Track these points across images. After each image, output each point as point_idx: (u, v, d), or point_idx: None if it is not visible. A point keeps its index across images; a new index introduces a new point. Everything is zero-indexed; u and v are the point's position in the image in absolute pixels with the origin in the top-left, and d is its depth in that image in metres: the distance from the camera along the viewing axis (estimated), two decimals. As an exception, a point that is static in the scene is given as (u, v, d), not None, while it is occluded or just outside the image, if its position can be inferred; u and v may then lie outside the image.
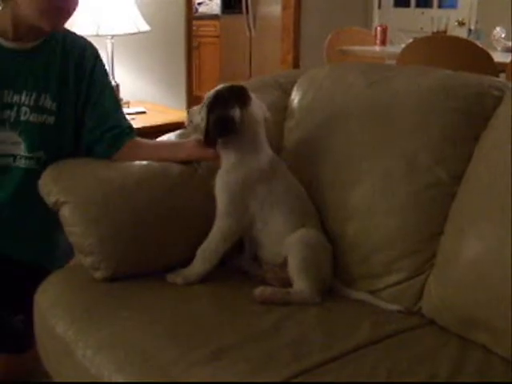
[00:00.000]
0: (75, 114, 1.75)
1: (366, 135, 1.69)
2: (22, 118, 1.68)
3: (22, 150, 1.73)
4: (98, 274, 1.61)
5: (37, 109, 1.68)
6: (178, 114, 3.48)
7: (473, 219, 1.47)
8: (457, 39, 3.36)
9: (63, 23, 1.66)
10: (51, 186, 1.66)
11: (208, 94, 1.67)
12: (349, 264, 1.67)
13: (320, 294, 1.60)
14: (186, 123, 1.73)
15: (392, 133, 1.65)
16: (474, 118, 1.58)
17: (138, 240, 1.64)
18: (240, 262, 1.77)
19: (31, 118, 1.69)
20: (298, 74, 2.04)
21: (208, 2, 7.10)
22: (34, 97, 1.67)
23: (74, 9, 1.67)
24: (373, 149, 1.66)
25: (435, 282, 1.53)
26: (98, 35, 3.18)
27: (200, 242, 1.65)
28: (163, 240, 1.68)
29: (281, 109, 1.94)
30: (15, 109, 1.68)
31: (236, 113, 1.61)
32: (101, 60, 1.81)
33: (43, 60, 1.68)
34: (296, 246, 1.62)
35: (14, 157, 1.74)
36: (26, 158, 1.74)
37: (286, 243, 1.63)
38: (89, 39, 1.85)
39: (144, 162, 1.76)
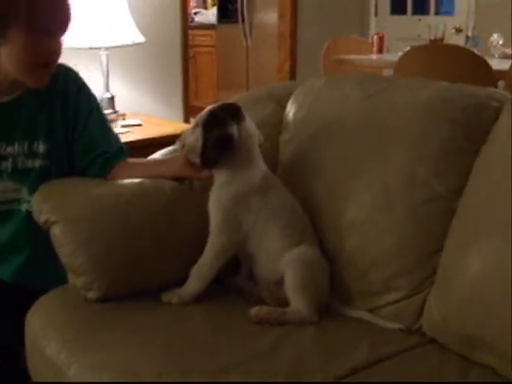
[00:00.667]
0: (67, 146, 1.75)
1: (363, 148, 1.65)
2: (20, 166, 1.69)
3: (24, 194, 1.74)
4: (91, 295, 1.58)
5: (31, 155, 1.69)
6: (175, 125, 3.44)
7: (473, 235, 1.44)
8: (454, 47, 3.34)
9: (47, 78, 1.63)
10: (42, 205, 1.62)
11: (201, 114, 1.63)
12: (346, 281, 1.63)
13: (317, 313, 1.56)
14: (178, 146, 1.68)
15: (389, 146, 1.62)
16: (473, 130, 1.55)
17: (131, 259, 1.61)
18: (235, 281, 1.73)
19: (28, 165, 1.70)
20: (293, 86, 2.01)
21: (204, 11, 7.09)
22: (26, 145, 1.68)
23: (57, 61, 1.65)
24: (369, 162, 1.63)
25: (435, 299, 1.50)
26: (91, 48, 3.14)
27: (194, 260, 1.61)
28: (157, 258, 1.65)
29: (276, 122, 1.91)
30: (10, 160, 1.69)
31: (234, 130, 1.58)
32: (83, 84, 1.77)
33: (30, 107, 1.67)
34: (293, 264, 1.59)
35: (18, 201, 1.75)
36: (29, 201, 1.71)
37: (283, 261, 1.59)
38: (82, 52, 1.81)
39: (136, 180, 1.72)
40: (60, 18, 1.57)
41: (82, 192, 1.67)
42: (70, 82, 1.73)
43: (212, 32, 6.57)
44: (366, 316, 1.59)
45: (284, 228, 1.62)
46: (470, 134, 1.55)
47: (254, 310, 1.52)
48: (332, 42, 4.71)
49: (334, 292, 1.64)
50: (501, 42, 4.66)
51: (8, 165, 1.68)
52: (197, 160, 1.62)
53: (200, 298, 1.60)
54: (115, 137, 1.85)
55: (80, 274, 1.57)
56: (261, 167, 1.65)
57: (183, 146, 1.65)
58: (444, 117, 1.58)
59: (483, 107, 1.57)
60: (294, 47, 5.53)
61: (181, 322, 1.51)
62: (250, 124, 1.64)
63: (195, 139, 1.61)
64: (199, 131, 1.60)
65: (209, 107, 1.65)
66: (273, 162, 1.80)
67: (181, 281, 1.61)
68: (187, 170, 1.70)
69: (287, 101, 1.95)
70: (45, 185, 1.69)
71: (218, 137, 1.57)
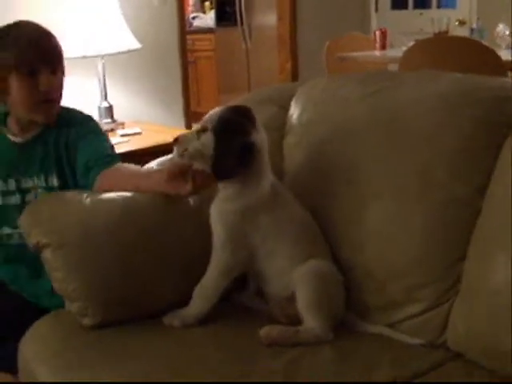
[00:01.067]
0: (74, 180, 1.79)
1: (375, 151, 1.53)
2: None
3: None
4: (86, 321, 1.47)
5: (48, 189, 1.77)
6: (177, 132, 3.35)
7: (499, 239, 1.32)
8: (461, 39, 3.23)
9: (54, 112, 1.77)
10: (31, 228, 1.52)
11: (208, 118, 1.48)
12: (363, 295, 1.52)
13: (332, 330, 1.45)
14: (176, 152, 1.50)
15: (402, 146, 1.50)
16: (495, 125, 1.43)
17: (128, 281, 1.49)
18: (242, 298, 1.62)
19: None
20: (294, 88, 1.89)
21: (202, 15, 6.99)
22: (43, 178, 1.77)
23: (61, 94, 1.78)
24: (383, 166, 1.51)
25: (460, 311, 1.38)
26: (85, 56, 3.06)
27: (197, 279, 1.50)
28: (156, 279, 1.53)
29: (279, 125, 1.79)
30: (32, 192, 1.79)
31: (256, 138, 1.47)
32: (89, 120, 1.85)
33: (43, 146, 1.78)
34: (305, 279, 1.47)
35: None
36: None
37: (294, 276, 1.48)
38: (77, 61, 1.95)
39: (129, 194, 1.60)
40: (45, 58, 1.71)
41: (72, 211, 1.55)
42: (77, 126, 1.81)
43: (211, 36, 6.47)
44: (386, 331, 1.48)
45: (294, 243, 1.51)
46: (491, 129, 1.42)
47: (265, 331, 1.41)
48: (333, 41, 4.61)
49: (349, 306, 1.52)
50: (507, 33, 4.54)
51: (31, 197, 1.79)
52: (204, 167, 1.49)
53: (205, 320, 1.50)
54: (108, 147, 1.81)
55: (74, 299, 1.46)
56: (269, 178, 1.52)
57: (183, 152, 1.50)
58: (460, 111, 1.46)
59: (505, 100, 1.44)
60: (294, 48, 5.44)
61: (185, 346, 1.40)
62: (261, 129, 1.51)
63: (203, 146, 1.46)
64: (209, 137, 1.45)
65: (216, 110, 1.50)
66: (278, 168, 1.68)
67: (183, 302, 1.51)
68: (168, 186, 1.54)
69: (289, 103, 1.83)
70: (32, 205, 1.59)
71: (240, 146, 1.44)
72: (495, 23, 4.74)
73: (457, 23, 5.41)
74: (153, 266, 1.53)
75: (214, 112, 1.50)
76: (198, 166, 1.50)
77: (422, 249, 1.43)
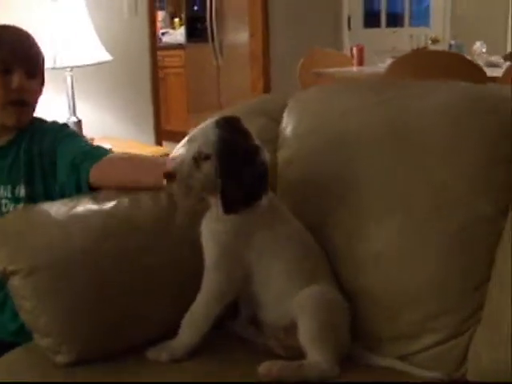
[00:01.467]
0: (46, 191, 1.68)
1: (383, 165, 1.39)
2: (4, 209, 1.68)
3: None
4: (60, 359, 1.28)
5: (14, 200, 1.68)
6: (147, 149, 3.22)
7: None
8: (445, 53, 3.16)
9: (26, 117, 1.71)
10: (-4, 251, 1.32)
11: (202, 140, 1.28)
12: (371, 323, 1.37)
13: (338, 364, 1.29)
14: (177, 191, 1.29)
15: (415, 160, 1.36)
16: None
17: (108, 312, 1.31)
18: (235, 327, 1.45)
19: (11, 209, 1.68)
20: (286, 98, 1.74)
21: (171, 31, 6.85)
22: (9, 189, 1.68)
23: (36, 101, 1.73)
24: (393, 181, 1.37)
25: (483, 340, 1.24)
26: (55, 68, 2.92)
27: (187, 307, 1.33)
28: (140, 308, 1.36)
29: (271, 138, 1.62)
30: None
31: (266, 155, 1.31)
32: (64, 128, 1.77)
33: (13, 153, 1.70)
34: (307, 307, 1.32)
35: None
36: None
37: (294, 303, 1.32)
38: (46, 73, 1.79)
39: (107, 207, 1.42)
40: (20, 58, 1.67)
41: (42, 232, 1.35)
42: (50, 132, 1.72)
43: (181, 52, 6.32)
44: (398, 365, 1.33)
45: (294, 263, 1.35)
46: (513, 139, 1.30)
47: (265, 367, 1.24)
48: (308, 57, 4.53)
49: (354, 337, 1.36)
50: (484, 50, 4.53)
51: None
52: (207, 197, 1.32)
53: (195, 352, 1.33)
54: (85, 143, 1.71)
55: (45, 334, 1.28)
56: (268, 193, 1.36)
57: (187, 191, 1.28)
58: (480, 122, 1.33)
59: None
60: (267, 65, 5.35)
61: (174, 385, 1.23)
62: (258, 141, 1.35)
63: (206, 176, 1.27)
64: (213, 165, 1.26)
65: (206, 128, 1.30)
66: (270, 184, 1.52)
67: (171, 333, 1.34)
68: (161, 178, 1.35)
69: (281, 114, 1.67)
70: (-2, 224, 1.39)
71: (258, 171, 1.28)
72: (470, 41, 4.73)
73: (430, 42, 5.37)
74: (136, 293, 1.35)
75: (203, 131, 1.30)
76: (191, 200, 1.33)
77: (439, 272, 1.29)
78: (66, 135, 1.71)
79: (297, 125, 1.59)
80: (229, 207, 1.28)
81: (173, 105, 6.31)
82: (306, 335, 1.29)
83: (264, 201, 1.32)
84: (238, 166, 1.27)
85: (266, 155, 1.32)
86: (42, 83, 1.76)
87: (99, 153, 1.63)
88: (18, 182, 1.67)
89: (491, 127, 1.31)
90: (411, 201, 1.33)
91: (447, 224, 1.29)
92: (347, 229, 1.41)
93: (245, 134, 1.33)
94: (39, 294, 1.27)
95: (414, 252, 1.32)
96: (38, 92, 1.74)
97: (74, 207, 1.39)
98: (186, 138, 1.36)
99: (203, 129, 1.31)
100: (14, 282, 1.29)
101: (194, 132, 1.33)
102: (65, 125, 1.80)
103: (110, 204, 1.42)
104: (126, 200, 1.44)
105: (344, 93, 1.64)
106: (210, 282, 1.33)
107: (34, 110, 1.73)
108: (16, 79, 1.64)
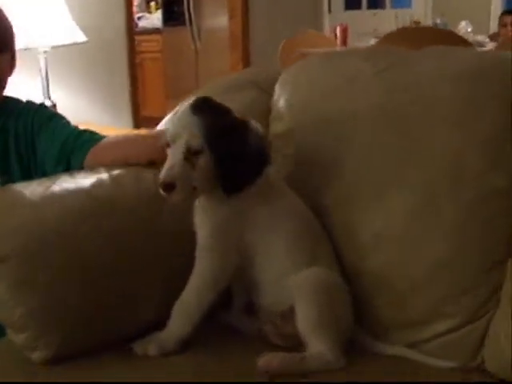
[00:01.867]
0: (23, 178, 1.54)
1: (390, 137, 1.27)
2: None
3: None
4: (37, 355, 1.16)
5: None
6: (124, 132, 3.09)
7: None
8: (435, 30, 3.05)
9: None
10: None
11: (187, 133, 1.14)
12: (377, 310, 1.26)
13: (343, 354, 1.18)
14: (179, 198, 1.15)
15: (424, 132, 1.24)
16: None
17: (89, 300, 1.18)
18: (228, 318, 1.34)
19: None
20: (276, 71, 1.62)
21: (148, 15, 6.68)
22: None
23: (5, 79, 1.58)
24: (401, 154, 1.26)
25: (503, 325, 1.13)
26: (28, 48, 2.79)
27: (176, 295, 1.21)
28: (124, 296, 1.23)
29: (262, 112, 1.51)
30: None
31: (258, 128, 1.21)
32: (42, 109, 1.61)
33: None
34: (305, 290, 1.21)
35: None
36: None
37: (292, 286, 1.21)
38: (18, 54, 1.63)
39: (85, 187, 1.28)
40: None
41: (14, 214, 1.20)
42: (24, 115, 1.58)
43: (158, 37, 6.16)
44: (407, 353, 1.22)
45: (293, 240, 1.24)
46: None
47: (264, 360, 1.13)
48: (289, 40, 4.41)
49: (360, 324, 1.26)
50: (469, 30, 4.47)
51: None
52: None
53: (187, 345, 1.21)
54: (71, 127, 1.55)
55: (20, 329, 1.15)
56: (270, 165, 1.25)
57: (191, 194, 1.18)
58: (493, 88, 1.21)
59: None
60: (246, 48, 5.23)
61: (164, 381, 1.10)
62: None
63: (203, 172, 1.16)
64: (208, 158, 1.15)
65: (183, 115, 1.17)
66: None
67: (158, 325, 1.22)
68: (158, 153, 1.25)
69: (272, 86, 1.56)
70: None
71: (258, 151, 1.17)
72: (453, 21, 4.67)
73: (413, 24, 5.30)
74: (120, 279, 1.22)
75: (183, 124, 1.16)
76: (183, 193, 1.18)
77: (452, 252, 1.18)
78: (48, 118, 1.56)
79: (290, 97, 1.48)
80: (232, 190, 1.17)
81: (150, 90, 6.15)
82: (304, 322, 1.18)
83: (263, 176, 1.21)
84: (234, 148, 1.16)
85: (257, 127, 1.21)
86: (13, 60, 1.60)
87: (90, 138, 1.49)
88: None
89: (509, 94, 1.20)
90: (422, 175, 1.22)
91: (461, 200, 1.18)
92: (346, 206, 1.30)
93: (226, 113, 1.21)
94: (12, 284, 1.13)
95: (423, 230, 1.21)
96: (7, 69, 1.58)
97: (50, 187, 1.26)
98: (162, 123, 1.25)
99: (181, 121, 1.18)
100: (-18, 272, 1.15)
101: (171, 124, 1.20)
102: (42, 105, 1.66)
103: (90, 183, 1.28)
104: (107, 179, 1.31)
105: (338, 64, 1.52)
106: (203, 267, 1.22)
107: (2, 88, 1.58)
108: None
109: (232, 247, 1.21)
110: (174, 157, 1.15)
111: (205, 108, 1.18)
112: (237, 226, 1.21)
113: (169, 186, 1.13)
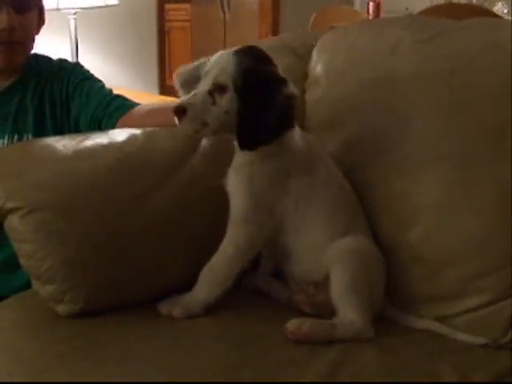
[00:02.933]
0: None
1: (430, 106, 1.24)
2: None
3: None
4: (62, 308, 1.15)
5: None
6: (151, 99, 3.06)
7: None
8: (470, 6, 2.98)
9: (19, 58, 1.54)
10: (-7, 186, 1.17)
11: (218, 71, 1.13)
12: (409, 282, 1.24)
13: (373, 325, 1.16)
14: (189, 129, 1.14)
15: (469, 103, 1.21)
16: None
17: (118, 258, 1.17)
18: (254, 281, 1.32)
19: None
20: (313, 37, 1.59)
21: (177, -17, 6.61)
22: (16, 139, 1.52)
23: (31, 39, 1.55)
24: (442, 125, 1.22)
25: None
26: (58, 9, 2.78)
27: (204, 259, 1.20)
28: (152, 257, 1.22)
29: (298, 77, 1.47)
30: None
31: (293, 87, 1.16)
32: (78, 70, 1.60)
33: (17, 100, 1.54)
34: (340, 258, 1.18)
35: None
36: None
37: (327, 255, 1.19)
38: (48, 15, 1.62)
39: (119, 145, 1.27)
40: None
41: (46, 167, 1.19)
42: (60, 74, 1.57)
43: (187, 6, 6.09)
44: (436, 327, 1.20)
45: (331, 211, 1.22)
46: None
47: (294, 324, 1.11)
48: (320, 13, 4.35)
49: (389, 296, 1.24)
50: (505, 11, 4.37)
51: None
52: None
53: (212, 309, 1.19)
54: (105, 90, 1.55)
55: (47, 281, 1.14)
56: (301, 133, 1.23)
57: (201, 129, 1.14)
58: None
59: None
60: (276, 21, 5.16)
61: (190, 345, 1.09)
62: None
63: (225, 113, 1.13)
64: (232, 99, 1.12)
65: (222, 57, 1.15)
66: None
67: (185, 287, 1.20)
68: None
69: (308, 53, 1.53)
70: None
71: (283, 103, 1.12)
72: (489, 2, 4.56)
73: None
74: (150, 241, 1.21)
75: (220, 60, 1.16)
76: (207, 133, 1.20)
77: (490, 228, 1.16)
78: (83, 79, 1.55)
79: (328, 63, 1.45)
80: (244, 144, 1.14)
81: (177, 60, 6.10)
82: (338, 289, 1.16)
83: (301, 142, 1.19)
84: (261, 98, 1.12)
85: (293, 88, 1.17)
86: (40, 19, 1.58)
87: (120, 105, 1.48)
88: (26, 131, 1.53)
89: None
90: (464, 149, 1.19)
91: (501, 175, 1.15)
92: (384, 177, 1.28)
93: (268, 64, 1.18)
94: (41, 236, 1.12)
95: (462, 204, 1.18)
96: (33, 28, 1.55)
97: (83, 141, 1.24)
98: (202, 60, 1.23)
99: (219, 58, 1.17)
100: (13, 222, 1.14)
101: (208, 64, 1.18)
102: (78, 65, 1.63)
103: (123, 139, 1.27)
104: (140, 135, 1.29)
105: (378, 32, 1.47)
106: (237, 236, 1.19)
107: (29, 48, 1.56)
108: (3, 18, 1.46)
109: (268, 218, 1.19)
110: (200, 87, 1.14)
111: (247, 53, 1.16)
112: (274, 196, 1.19)
113: (180, 110, 1.12)
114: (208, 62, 1.20)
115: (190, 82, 1.21)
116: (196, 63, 1.25)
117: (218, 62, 1.16)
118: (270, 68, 1.17)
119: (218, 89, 1.13)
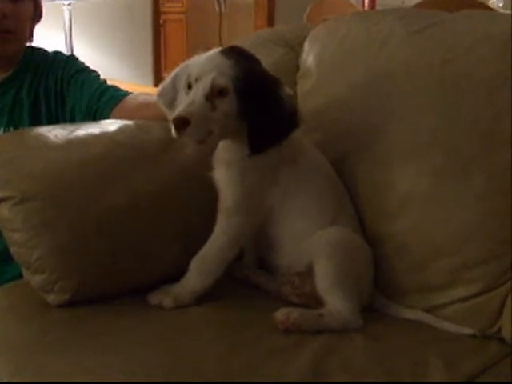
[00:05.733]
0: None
1: (421, 98, 1.25)
2: None
3: None
4: (52, 298, 1.15)
5: None
6: (147, 91, 3.06)
7: None
8: (470, 1, 2.95)
9: (12, 46, 1.54)
10: (-16, 176, 1.17)
11: (215, 72, 1.10)
12: (397, 273, 1.25)
13: (360, 315, 1.17)
14: (194, 138, 1.10)
15: (459, 95, 1.21)
16: None
17: (108, 248, 1.18)
18: (244, 271, 1.32)
19: None
20: (306, 28, 1.60)
21: (173, -25, 6.59)
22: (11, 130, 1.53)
23: (26, 28, 1.55)
24: (431, 116, 1.23)
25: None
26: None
27: (195, 248, 1.20)
28: (142, 247, 1.22)
29: (289, 70, 1.50)
30: None
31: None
32: (72, 62, 1.60)
33: (14, 92, 1.55)
34: (324, 248, 1.19)
35: None
36: None
37: (312, 245, 1.19)
38: (43, 5, 1.62)
39: (110, 135, 1.27)
40: None
41: (37, 156, 1.19)
42: (55, 66, 1.58)
43: (182, -3, 6.08)
44: (425, 317, 1.21)
45: (314, 202, 1.23)
46: None
47: (282, 313, 1.12)
48: (315, 5, 4.33)
49: (378, 287, 1.25)
50: (500, 5, 4.36)
51: None
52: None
53: (202, 299, 1.20)
54: (99, 81, 1.56)
55: (37, 270, 1.14)
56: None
57: (206, 137, 1.10)
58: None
59: None
60: (271, 13, 5.15)
61: (179, 335, 1.10)
62: None
63: (226, 116, 1.11)
64: (232, 102, 1.10)
65: (212, 57, 1.13)
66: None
67: (173, 277, 1.21)
68: None
69: (301, 45, 1.54)
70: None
71: (290, 106, 1.13)
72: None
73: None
74: (139, 226, 1.21)
75: (212, 63, 1.12)
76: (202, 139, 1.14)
77: (478, 219, 1.17)
78: (77, 71, 1.55)
79: (319, 54, 1.46)
80: (257, 148, 1.12)
81: (172, 52, 6.08)
82: (323, 279, 1.17)
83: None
84: (266, 101, 1.11)
85: (287, 87, 1.18)
86: (36, 9, 1.58)
87: (112, 96, 1.48)
88: (21, 123, 1.53)
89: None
90: (452, 140, 1.20)
91: (492, 165, 1.16)
92: (372, 168, 1.28)
93: (258, 63, 1.18)
94: (32, 225, 1.12)
95: (451, 194, 1.19)
96: (26, 19, 1.55)
97: (75, 131, 1.25)
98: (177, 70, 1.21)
99: (210, 60, 1.13)
100: (3, 211, 1.14)
101: (195, 64, 1.15)
102: (71, 57, 1.64)
103: (115, 129, 1.27)
104: (133, 127, 1.30)
105: (371, 23, 1.47)
106: (228, 225, 1.20)
107: (22, 39, 1.56)
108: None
109: (258, 208, 1.20)
110: (194, 94, 1.09)
111: (236, 53, 1.15)
112: (264, 188, 1.20)
113: (182, 122, 1.06)
114: (184, 69, 1.17)
115: (174, 98, 1.18)
116: (169, 78, 1.20)
117: (210, 66, 1.12)
118: (264, 68, 1.17)
119: (216, 93, 1.10)
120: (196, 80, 1.11)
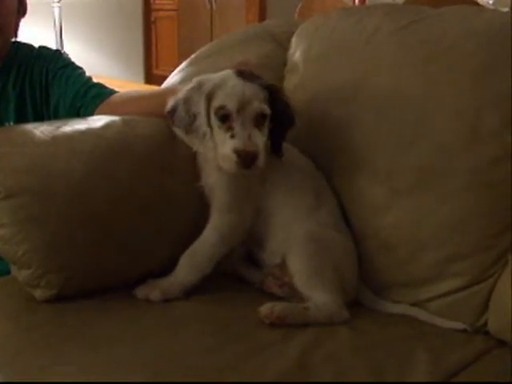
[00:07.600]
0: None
1: (407, 92, 1.25)
2: None
3: None
4: (39, 293, 1.15)
5: None
6: (137, 88, 3.06)
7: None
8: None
9: None
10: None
11: (257, 100, 1.16)
12: (383, 268, 1.26)
13: (346, 308, 1.17)
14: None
15: (443, 89, 1.22)
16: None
17: (95, 243, 1.18)
18: (231, 265, 1.33)
19: None
20: (294, 24, 1.60)
21: (164, -28, 6.57)
22: None
23: (9, 24, 1.51)
24: (416, 110, 1.23)
25: (508, 288, 1.12)
26: None
27: (184, 243, 1.21)
28: (128, 242, 1.22)
29: (276, 65, 1.51)
30: None
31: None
32: (58, 57, 1.57)
33: (1, 86, 1.52)
34: (296, 244, 1.21)
35: None
36: None
37: (286, 239, 1.23)
38: (32, 5, 1.60)
39: (97, 131, 1.27)
40: None
41: (23, 152, 1.19)
42: (40, 62, 1.55)
43: (173, -5, 6.06)
44: (411, 311, 1.22)
45: (293, 195, 1.25)
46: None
47: (267, 308, 1.13)
48: (306, 2, 4.33)
49: (364, 282, 1.26)
50: (491, 2, 4.37)
51: None
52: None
53: (190, 292, 1.21)
54: (84, 78, 1.53)
55: (23, 266, 1.14)
56: None
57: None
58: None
59: None
60: (262, 11, 5.16)
61: (166, 328, 1.10)
62: None
63: (265, 132, 1.18)
64: (268, 123, 1.19)
65: (239, 85, 1.16)
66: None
67: (159, 273, 1.22)
68: None
69: (288, 40, 1.54)
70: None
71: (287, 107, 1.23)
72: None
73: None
74: (125, 222, 1.21)
75: (241, 89, 1.16)
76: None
77: (463, 212, 1.17)
78: (62, 66, 1.54)
79: (307, 49, 1.46)
80: (280, 149, 1.22)
81: (163, 49, 6.08)
82: (299, 277, 1.19)
83: None
84: (285, 110, 1.22)
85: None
86: (21, 3, 1.56)
87: (97, 94, 1.47)
88: (7, 119, 1.50)
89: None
90: (437, 133, 1.20)
91: (475, 160, 1.17)
92: (356, 163, 1.29)
93: (262, 78, 1.23)
94: (18, 220, 1.12)
95: (436, 189, 1.19)
96: (10, 14, 1.52)
97: (61, 127, 1.24)
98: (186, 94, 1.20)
99: (239, 88, 1.16)
100: (-11, 207, 1.14)
101: (229, 94, 1.16)
102: (58, 52, 1.62)
103: (101, 125, 1.27)
104: (119, 122, 1.29)
105: (358, 20, 1.47)
106: (221, 223, 1.23)
107: (8, 35, 1.53)
108: None
109: (248, 206, 1.23)
110: (244, 125, 1.14)
111: (250, 75, 1.19)
112: (253, 187, 1.23)
113: (252, 157, 1.12)
114: (198, 93, 1.18)
115: (190, 123, 1.19)
116: (179, 101, 1.21)
117: (247, 94, 1.15)
118: (267, 82, 1.23)
119: (261, 119, 1.16)
120: (240, 108, 1.14)
